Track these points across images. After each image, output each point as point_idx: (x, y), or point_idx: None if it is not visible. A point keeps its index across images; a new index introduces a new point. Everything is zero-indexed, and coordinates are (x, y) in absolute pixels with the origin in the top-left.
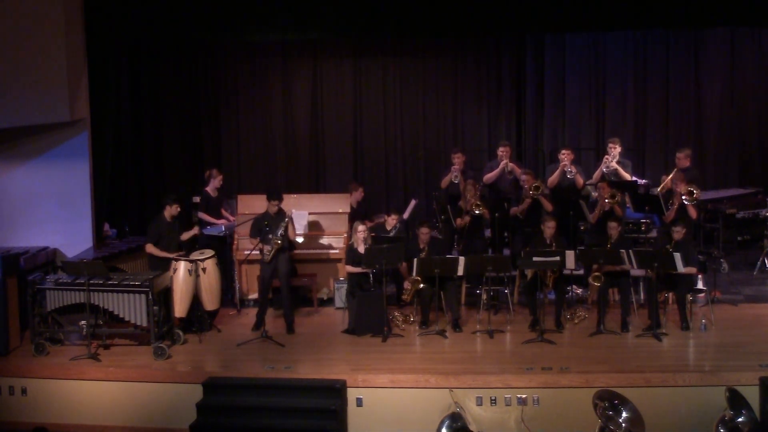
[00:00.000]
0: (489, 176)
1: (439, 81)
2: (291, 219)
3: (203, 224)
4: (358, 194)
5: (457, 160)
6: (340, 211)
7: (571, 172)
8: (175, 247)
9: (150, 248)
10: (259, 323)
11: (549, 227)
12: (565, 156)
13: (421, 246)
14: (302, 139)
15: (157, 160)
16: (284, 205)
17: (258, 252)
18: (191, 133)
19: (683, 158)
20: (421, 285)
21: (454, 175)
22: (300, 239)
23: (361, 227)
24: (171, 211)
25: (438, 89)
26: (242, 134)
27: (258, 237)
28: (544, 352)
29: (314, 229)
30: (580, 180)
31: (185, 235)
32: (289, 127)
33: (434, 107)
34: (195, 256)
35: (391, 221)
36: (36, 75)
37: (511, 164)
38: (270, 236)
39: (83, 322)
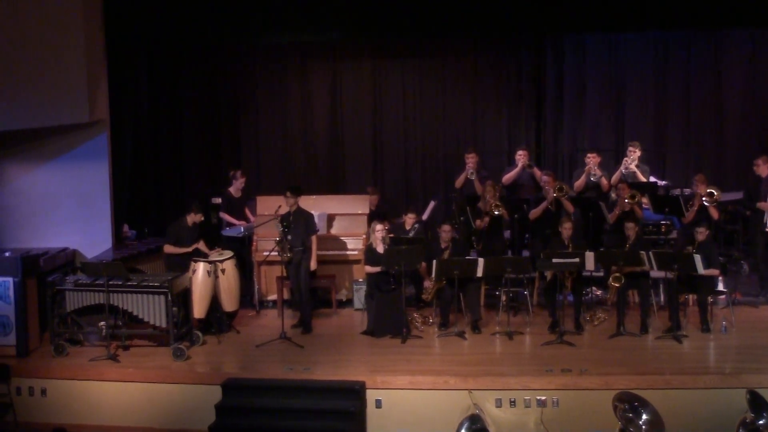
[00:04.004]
0: (508, 176)
1: (457, 82)
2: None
3: (223, 225)
4: (374, 199)
5: (470, 160)
6: (359, 212)
7: (596, 175)
8: (193, 250)
9: (168, 248)
10: (307, 324)
11: (566, 228)
12: (591, 159)
13: (443, 245)
14: (321, 140)
15: (176, 161)
16: (303, 206)
17: (276, 253)
18: (210, 135)
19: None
20: (443, 284)
21: (469, 172)
22: (313, 264)
23: (379, 226)
24: (194, 218)
25: (457, 90)
26: (261, 135)
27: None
28: (563, 353)
29: (333, 230)
30: (605, 182)
31: (201, 246)
32: (308, 128)
33: (453, 108)
34: (214, 256)
35: (409, 220)
36: (55, 76)
37: (525, 158)
38: (289, 237)
39: (102, 323)
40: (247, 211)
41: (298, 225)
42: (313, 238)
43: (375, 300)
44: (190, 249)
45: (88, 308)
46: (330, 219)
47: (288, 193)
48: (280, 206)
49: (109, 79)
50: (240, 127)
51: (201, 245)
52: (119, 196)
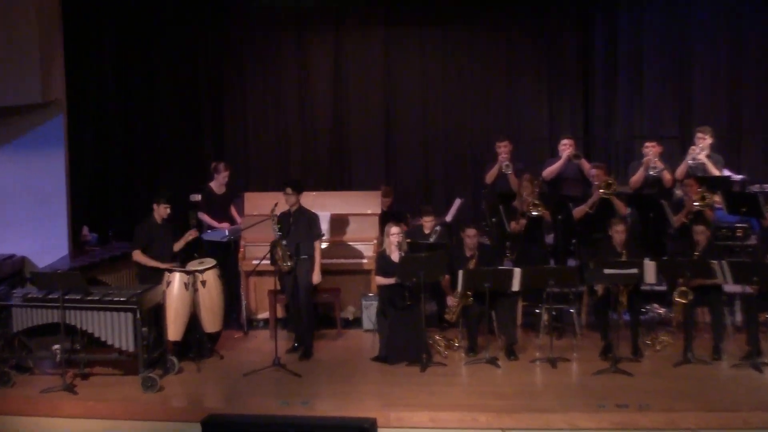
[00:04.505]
0: (550, 170)
1: (489, 56)
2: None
3: (203, 227)
4: (384, 202)
5: (503, 149)
6: (369, 212)
7: (656, 168)
8: (168, 255)
9: (138, 256)
10: (307, 348)
11: (618, 231)
12: (650, 149)
13: (468, 253)
14: (322, 125)
15: (148, 150)
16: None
17: (268, 261)
18: (189, 119)
19: None
20: (470, 300)
21: (503, 164)
22: (317, 276)
23: (395, 229)
24: (159, 211)
25: (487, 66)
26: (250, 120)
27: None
28: (618, 385)
29: (337, 233)
30: (668, 177)
31: (177, 245)
32: (307, 112)
33: (483, 88)
34: (193, 266)
35: (428, 222)
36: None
37: (571, 148)
38: (284, 242)
39: (57, 346)
40: (233, 211)
41: (299, 228)
42: (317, 245)
43: (388, 319)
44: (164, 266)
45: (40, 328)
46: (334, 220)
47: (288, 190)
48: (276, 204)
49: (67, 52)
50: (224, 110)
51: (191, 235)
52: (78, 191)
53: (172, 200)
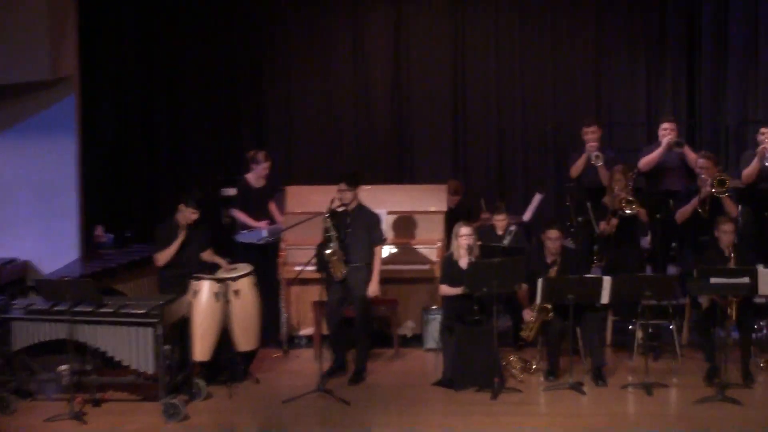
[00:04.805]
0: (647, 159)
1: (575, 29)
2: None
3: (236, 227)
4: (450, 199)
5: (591, 136)
6: (433, 209)
7: None
8: (195, 263)
9: (162, 259)
10: (359, 370)
11: (726, 231)
12: (765, 136)
13: (549, 259)
14: (380, 109)
15: (174, 138)
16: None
17: (313, 268)
18: (223, 102)
19: None
20: (550, 315)
21: (592, 154)
22: (374, 287)
23: (465, 230)
24: (186, 214)
25: (574, 41)
26: (294, 103)
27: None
28: (726, 415)
29: (395, 234)
30: None
31: (207, 256)
32: (362, 93)
33: (569, 65)
34: (225, 272)
35: (500, 222)
36: (6, 17)
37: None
38: (331, 245)
39: (64, 367)
40: (273, 208)
41: (356, 229)
42: (378, 251)
43: (454, 336)
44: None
45: (45, 346)
46: (391, 219)
47: (343, 185)
48: (333, 200)
49: (81, 22)
50: (265, 91)
51: (210, 255)
52: (91, 185)
53: (203, 204)
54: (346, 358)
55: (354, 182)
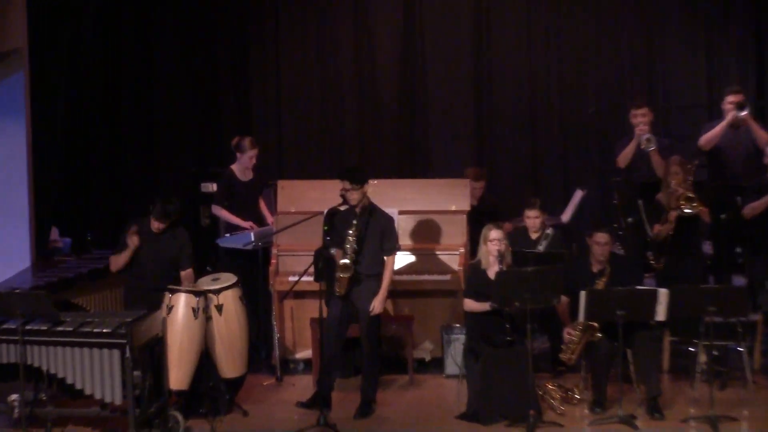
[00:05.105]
0: (708, 136)
1: None
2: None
3: (219, 228)
4: (478, 187)
5: (641, 119)
6: (454, 208)
7: None
8: (166, 273)
9: (114, 263)
10: (323, 399)
11: None
12: None
13: (596, 268)
14: (387, 90)
15: (145, 124)
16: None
17: (310, 278)
18: (202, 84)
19: None
20: (597, 335)
21: (644, 138)
22: (380, 304)
23: (495, 233)
24: (155, 224)
25: (619, 12)
26: (286, 84)
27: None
28: None
29: (409, 238)
30: None
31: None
32: (365, 72)
33: (614, 36)
34: (205, 284)
35: (533, 220)
36: None
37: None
38: (332, 250)
39: (14, 396)
40: (262, 206)
41: (368, 235)
42: (390, 261)
43: (481, 361)
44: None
45: None
46: (404, 220)
47: (347, 183)
48: (345, 191)
49: None
50: (250, 68)
51: (189, 277)
52: (45, 179)
53: (171, 214)
54: (333, 387)
55: (359, 179)
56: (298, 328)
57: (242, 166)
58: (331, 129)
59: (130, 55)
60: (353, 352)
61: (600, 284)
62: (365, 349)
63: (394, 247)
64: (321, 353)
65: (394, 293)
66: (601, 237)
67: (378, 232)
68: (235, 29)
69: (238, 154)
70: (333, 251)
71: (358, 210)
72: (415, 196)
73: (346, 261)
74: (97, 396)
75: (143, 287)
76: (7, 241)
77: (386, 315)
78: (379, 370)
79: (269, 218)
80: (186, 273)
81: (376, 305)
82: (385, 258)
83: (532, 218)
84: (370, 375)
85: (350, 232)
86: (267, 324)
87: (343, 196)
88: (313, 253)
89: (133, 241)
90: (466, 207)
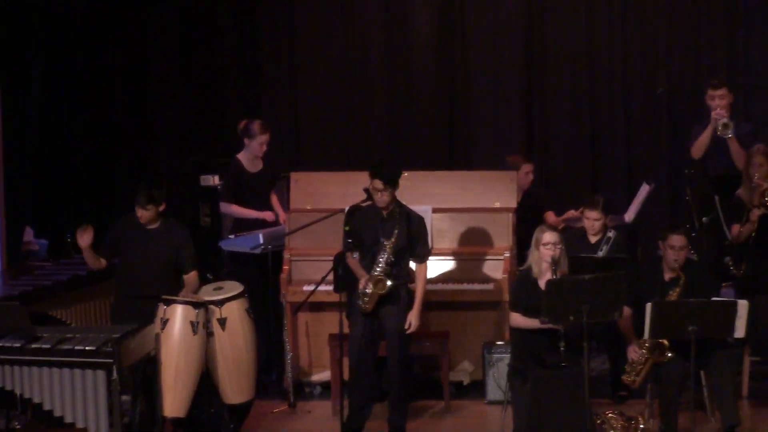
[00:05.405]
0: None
1: None
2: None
3: (223, 229)
4: (523, 178)
5: (719, 102)
6: (498, 205)
7: None
8: (160, 279)
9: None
10: (355, 424)
11: None
12: None
13: (668, 276)
14: (423, 68)
15: (135, 106)
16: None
17: (330, 287)
18: (203, 59)
19: None
20: (668, 355)
21: (721, 122)
22: (416, 321)
23: (549, 237)
24: (141, 213)
25: None
26: (302, 61)
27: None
28: None
29: (445, 242)
30: None
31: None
32: (398, 48)
33: (686, 5)
34: (206, 294)
35: (593, 221)
36: None
37: None
38: (355, 254)
39: None
40: (275, 201)
41: (398, 239)
42: (423, 270)
43: (529, 384)
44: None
45: None
46: (439, 219)
47: (378, 182)
48: (370, 187)
49: None
50: (260, 42)
51: (193, 280)
52: (16, 173)
53: (158, 199)
54: (370, 413)
55: (393, 179)
56: (315, 346)
57: (251, 155)
58: (355, 111)
59: (118, 26)
60: (378, 373)
61: (673, 295)
62: (394, 373)
63: (427, 253)
64: (345, 382)
65: (427, 305)
66: (677, 240)
67: (406, 237)
68: (243, 2)
69: (246, 141)
70: (355, 255)
71: (385, 213)
72: (453, 190)
73: (381, 276)
74: (80, 424)
75: (133, 296)
76: None
77: (418, 331)
78: (407, 395)
79: (282, 216)
80: (189, 276)
81: (413, 321)
82: (416, 265)
83: (593, 220)
84: (400, 401)
85: (388, 242)
86: (278, 341)
87: (367, 192)
88: (332, 259)
89: (83, 240)
90: (513, 204)
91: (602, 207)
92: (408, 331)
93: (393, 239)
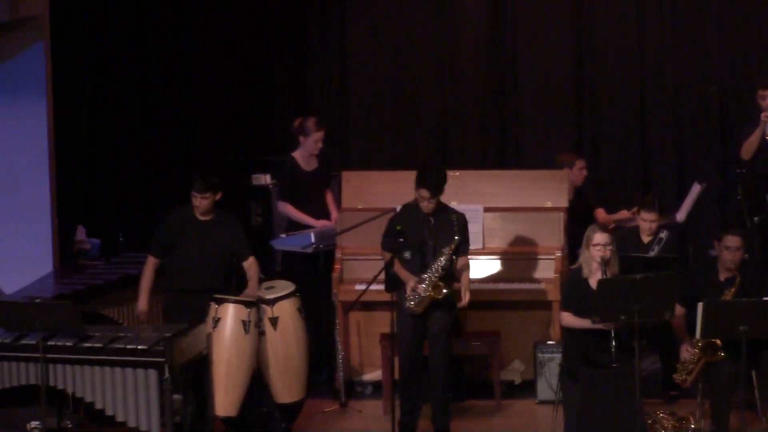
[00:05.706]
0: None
1: None
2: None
3: (274, 229)
4: (577, 175)
5: None
6: (549, 204)
7: None
8: (216, 275)
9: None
10: (410, 425)
11: None
12: None
13: (724, 276)
14: (473, 66)
15: (184, 105)
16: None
17: (381, 287)
18: (252, 56)
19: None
20: (720, 354)
21: None
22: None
23: (600, 237)
24: (198, 201)
25: None
26: (352, 59)
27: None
28: None
29: (496, 241)
30: None
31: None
32: (447, 41)
33: (735, 10)
34: (257, 291)
35: (648, 223)
36: None
37: None
38: (406, 254)
39: (34, 423)
40: (330, 200)
41: (441, 239)
42: (467, 263)
43: (580, 384)
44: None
45: (8, 394)
46: (490, 218)
47: (425, 191)
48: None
49: None
50: (310, 40)
51: (253, 266)
52: (69, 169)
53: (215, 186)
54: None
55: (439, 188)
56: (366, 345)
57: (306, 153)
58: (404, 110)
59: (166, 23)
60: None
61: (728, 295)
62: (438, 374)
63: (468, 247)
64: (396, 382)
65: (477, 305)
66: (733, 240)
67: (447, 236)
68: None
69: (301, 138)
70: (407, 255)
71: (431, 216)
72: (503, 190)
73: (432, 271)
74: (131, 423)
75: (187, 290)
76: (26, 243)
77: (470, 329)
78: (449, 397)
79: (334, 215)
80: (248, 263)
81: (465, 296)
82: (459, 258)
83: (649, 221)
84: (443, 401)
85: (446, 249)
86: (329, 340)
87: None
88: (383, 258)
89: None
90: (564, 203)
91: (658, 208)
92: (459, 305)
93: (452, 245)
